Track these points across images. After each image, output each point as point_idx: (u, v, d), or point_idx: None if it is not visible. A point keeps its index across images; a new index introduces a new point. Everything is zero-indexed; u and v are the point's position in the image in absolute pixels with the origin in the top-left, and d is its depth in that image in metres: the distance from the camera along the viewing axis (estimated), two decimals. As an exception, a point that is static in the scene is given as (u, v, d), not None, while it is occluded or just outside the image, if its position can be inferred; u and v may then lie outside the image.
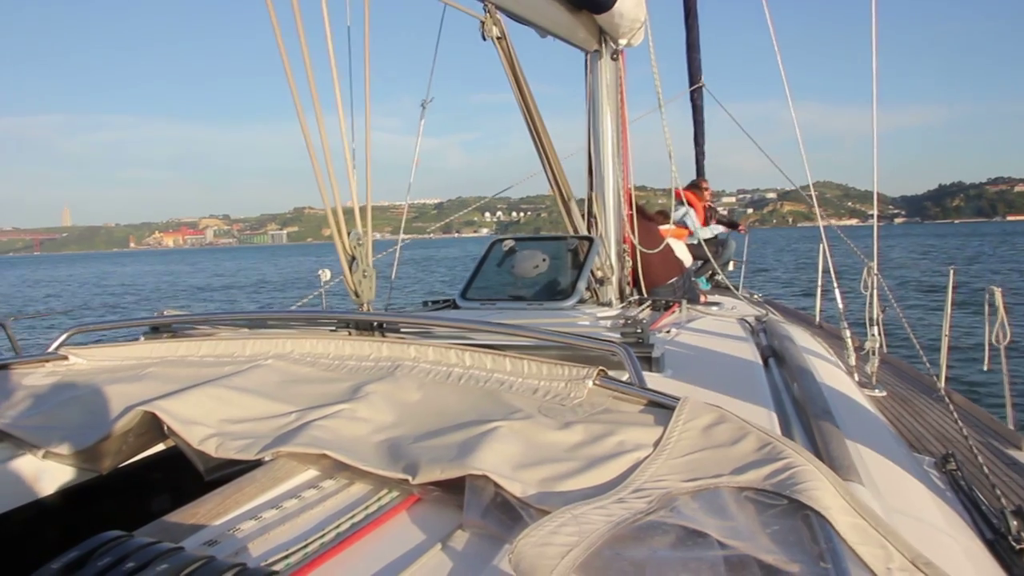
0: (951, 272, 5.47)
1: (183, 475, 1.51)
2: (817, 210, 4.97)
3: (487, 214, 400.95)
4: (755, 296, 6.48)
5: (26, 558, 1.29)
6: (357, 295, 2.26)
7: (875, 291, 4.51)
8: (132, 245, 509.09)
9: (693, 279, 6.74)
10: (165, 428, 1.42)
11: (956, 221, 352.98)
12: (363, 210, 2.28)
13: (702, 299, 5.01)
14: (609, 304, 3.93)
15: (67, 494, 1.53)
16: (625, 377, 1.62)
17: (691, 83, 7.75)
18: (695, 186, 8.30)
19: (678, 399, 1.36)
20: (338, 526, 1.07)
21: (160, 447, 1.60)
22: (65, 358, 2.04)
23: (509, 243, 4.05)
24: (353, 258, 2.23)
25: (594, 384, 1.54)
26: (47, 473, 1.50)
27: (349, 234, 2.22)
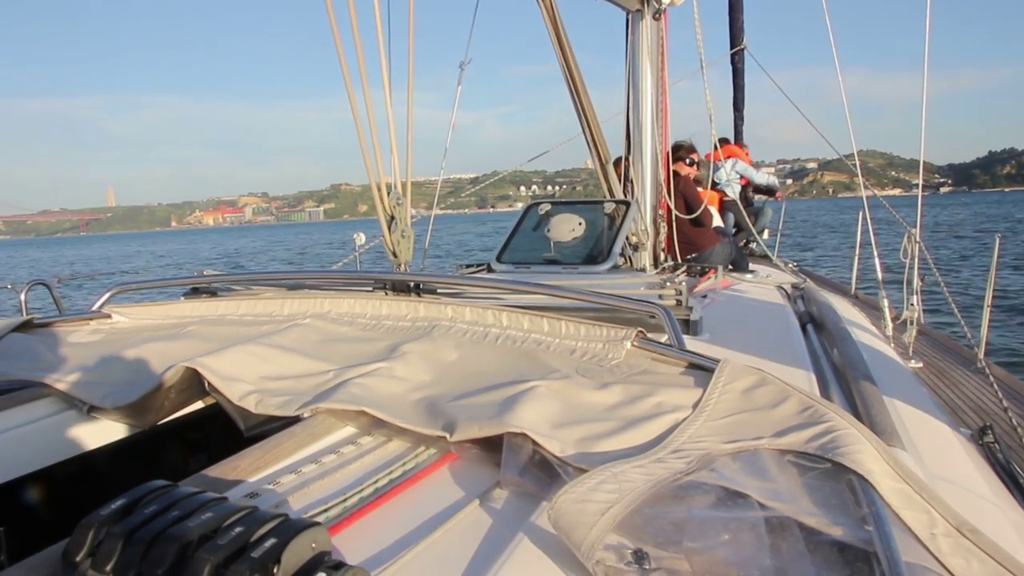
0: (996, 240, 5.28)
1: (223, 431, 1.53)
2: (861, 178, 4.83)
3: (522, 188, 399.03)
4: (790, 265, 6.35)
5: (73, 508, 1.32)
6: (395, 255, 2.27)
7: (916, 260, 4.35)
8: (173, 224, 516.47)
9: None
10: (206, 385, 1.44)
11: (1006, 190, 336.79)
12: (403, 175, 2.27)
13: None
14: (643, 270, 3.89)
15: (112, 448, 1.56)
16: (663, 339, 1.60)
17: (732, 45, 7.51)
18: (728, 141, 7.91)
19: (718, 361, 1.35)
20: (376, 481, 1.08)
21: (200, 404, 1.62)
22: (108, 316, 2.08)
23: (545, 207, 4.01)
24: (392, 218, 2.23)
25: (632, 345, 1.52)
26: (92, 428, 1.53)
27: (389, 194, 2.23)
